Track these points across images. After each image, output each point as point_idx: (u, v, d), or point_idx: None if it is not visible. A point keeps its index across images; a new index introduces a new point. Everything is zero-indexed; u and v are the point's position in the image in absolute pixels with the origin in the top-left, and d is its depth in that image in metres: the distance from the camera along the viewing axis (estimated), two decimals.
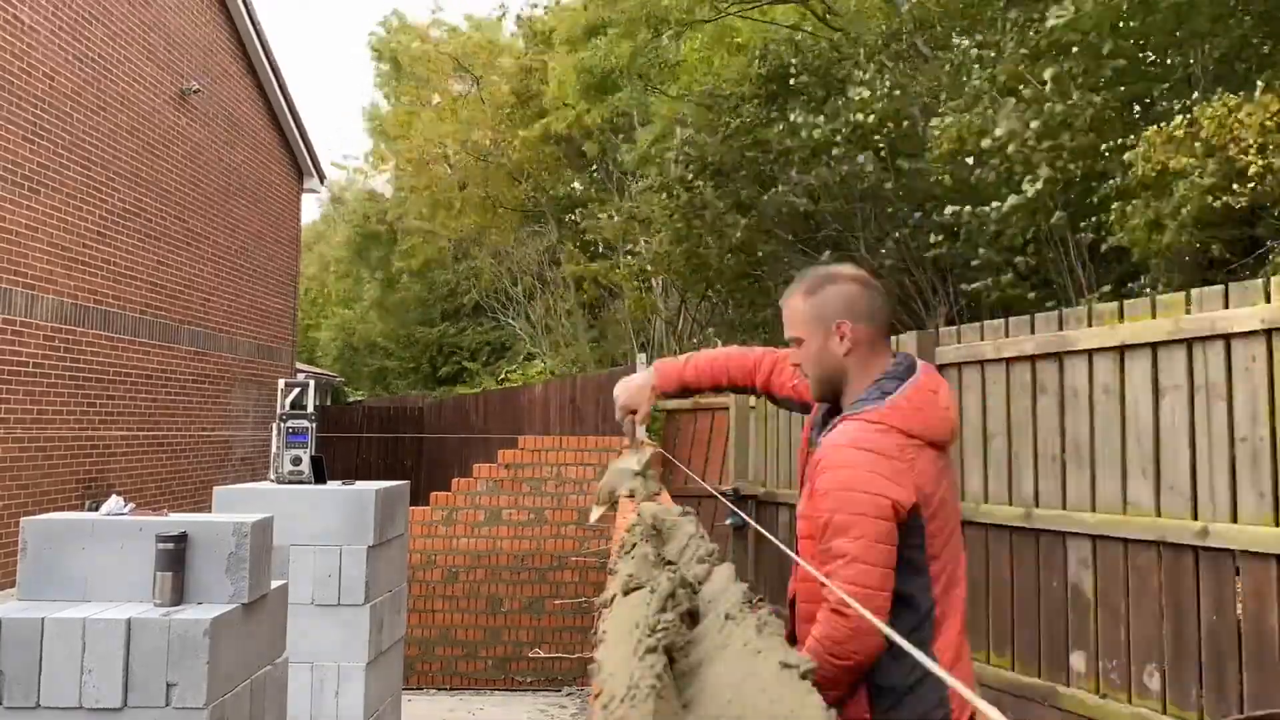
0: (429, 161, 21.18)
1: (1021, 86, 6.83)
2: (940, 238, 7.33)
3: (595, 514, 2.70)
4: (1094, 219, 6.42)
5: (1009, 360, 4.11)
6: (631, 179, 15.27)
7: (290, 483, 4.01)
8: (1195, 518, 3.25)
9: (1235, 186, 5.06)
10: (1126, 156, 5.61)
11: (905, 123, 8.37)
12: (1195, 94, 6.29)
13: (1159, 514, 3.39)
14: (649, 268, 12.23)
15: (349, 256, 29.57)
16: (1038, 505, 3.90)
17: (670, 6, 11.75)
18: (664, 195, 10.05)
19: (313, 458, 4.05)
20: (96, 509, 2.73)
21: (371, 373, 27.41)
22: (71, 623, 2.34)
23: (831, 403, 2.09)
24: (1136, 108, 7.48)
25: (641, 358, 8.86)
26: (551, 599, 7.27)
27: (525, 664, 7.24)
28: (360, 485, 4.08)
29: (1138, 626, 3.44)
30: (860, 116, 8.13)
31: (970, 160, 7.20)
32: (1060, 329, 3.85)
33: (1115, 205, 5.90)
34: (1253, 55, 6.65)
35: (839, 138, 8.36)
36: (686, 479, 6.31)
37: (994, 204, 6.62)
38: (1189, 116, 5.33)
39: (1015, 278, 7.03)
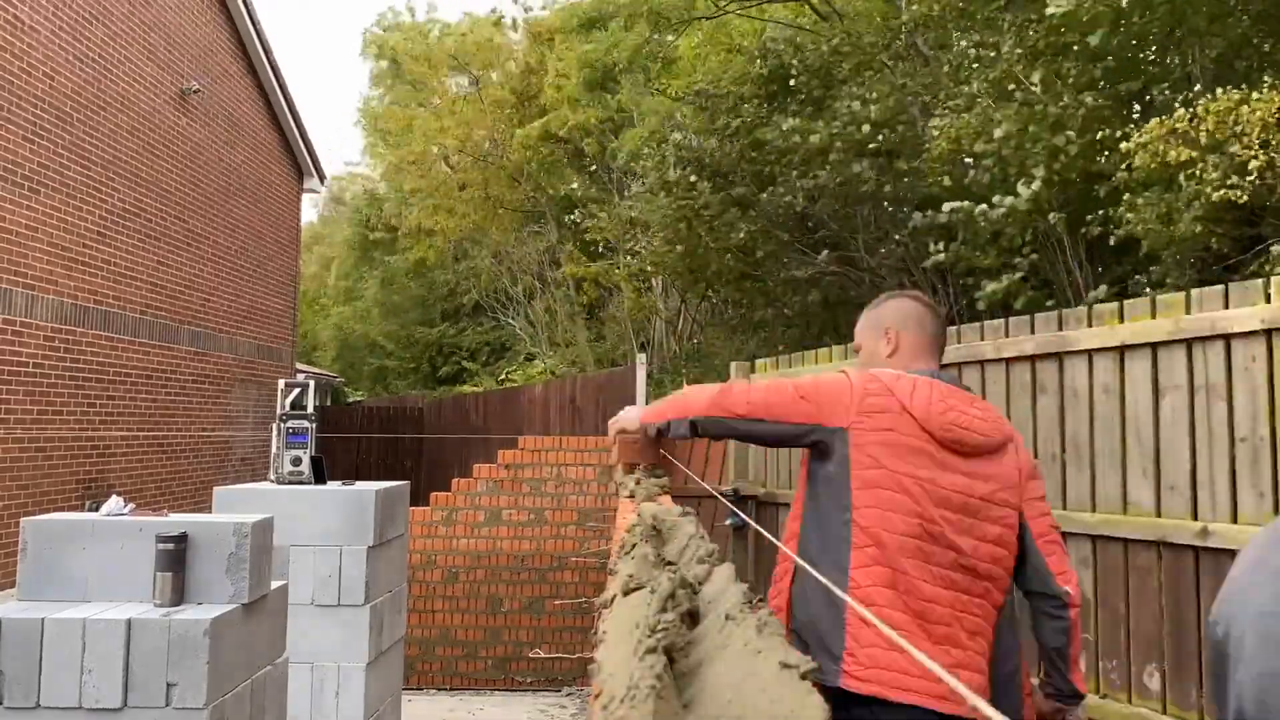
0: (429, 161, 21.19)
1: (1013, 87, 6.83)
2: (940, 244, 7.32)
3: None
4: (1100, 212, 6.41)
5: (1009, 360, 4.11)
6: (631, 179, 15.27)
7: (290, 483, 4.01)
8: (1195, 518, 3.25)
9: (1235, 179, 5.06)
10: (1124, 146, 5.60)
11: (901, 127, 8.37)
12: (1198, 87, 6.29)
13: (1159, 514, 3.39)
14: (649, 268, 12.23)
15: (348, 256, 29.58)
16: None
17: (669, 4, 11.75)
18: (661, 196, 10.05)
19: (313, 458, 4.05)
20: (96, 509, 2.73)
21: (371, 373, 27.41)
22: (71, 623, 2.34)
23: None
24: (1136, 106, 7.47)
25: (641, 358, 8.86)
26: (551, 599, 7.27)
27: (525, 664, 7.24)
28: (360, 485, 4.08)
29: (1138, 626, 3.45)
30: (853, 129, 8.15)
31: (970, 160, 7.20)
32: (1060, 329, 3.86)
33: (1126, 197, 5.89)
34: (1253, 54, 6.64)
35: (836, 144, 8.36)
36: (686, 479, 6.30)
37: (995, 199, 6.61)
38: (1191, 110, 5.32)
39: (1016, 278, 7.03)
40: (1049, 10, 6.31)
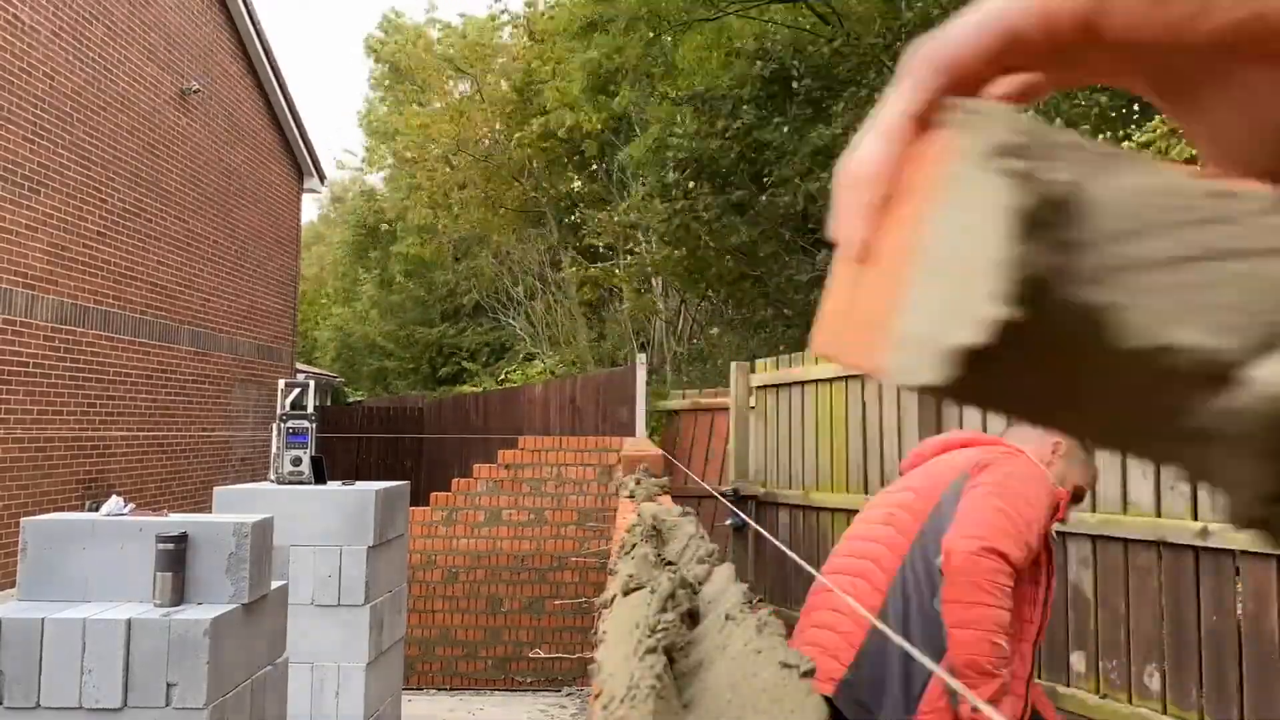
0: (429, 161, 21.19)
1: None
2: None
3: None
4: None
5: None
6: (631, 180, 15.28)
7: (290, 483, 4.01)
8: (1195, 518, 3.25)
9: None
10: (1125, 146, 5.62)
11: None
12: None
13: (1159, 514, 3.39)
14: (649, 269, 12.23)
15: (348, 256, 29.59)
16: None
17: (669, 7, 11.74)
18: (657, 201, 10.06)
19: (313, 458, 4.05)
20: (96, 509, 2.73)
21: (371, 373, 27.41)
22: (71, 623, 2.34)
23: None
24: (1136, 106, 7.48)
25: (641, 358, 8.86)
26: (551, 599, 7.27)
27: (525, 664, 7.24)
28: (360, 486, 4.08)
29: (1138, 626, 3.45)
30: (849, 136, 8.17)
31: None
32: None
33: None
34: None
35: (840, 145, 8.37)
36: (686, 479, 6.31)
37: None
38: None
39: None
40: None
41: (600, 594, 1.62)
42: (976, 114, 0.29)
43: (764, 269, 9.86)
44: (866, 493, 5.17)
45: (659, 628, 1.06)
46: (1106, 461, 3.64)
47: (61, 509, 7.87)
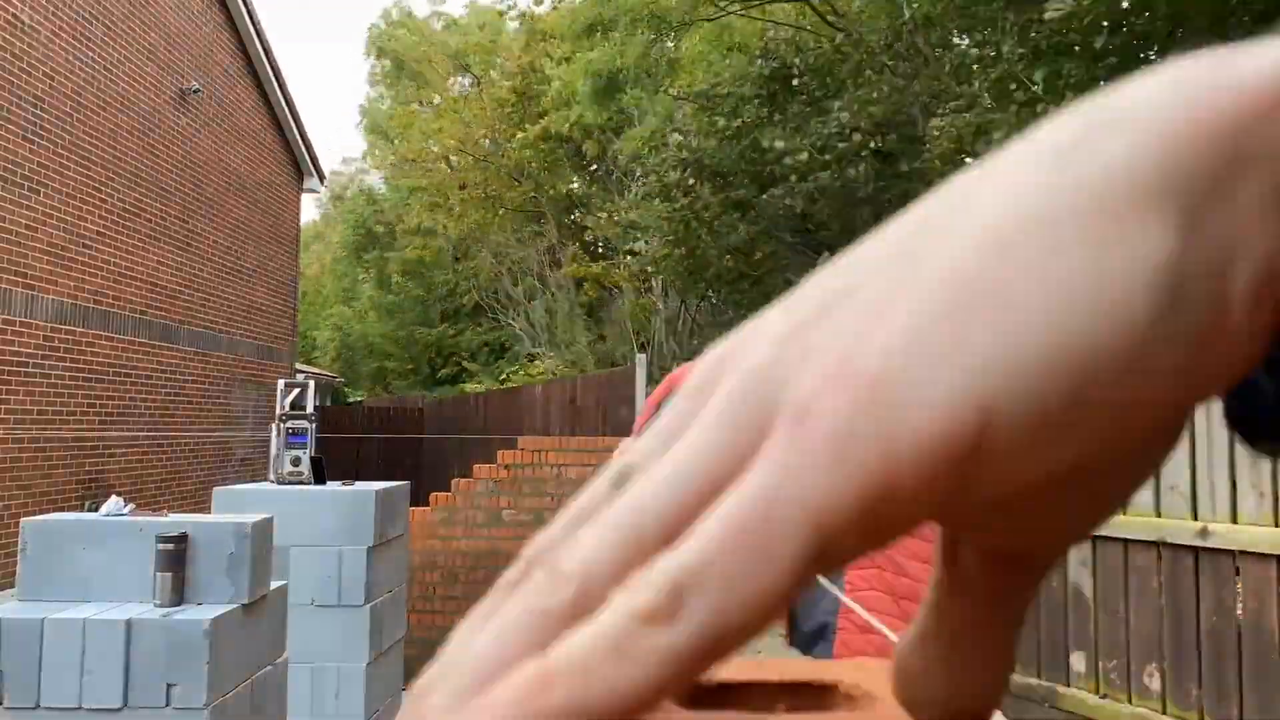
0: (429, 160, 21.20)
1: (1014, 87, 6.83)
2: None
3: None
4: None
5: None
6: (631, 179, 15.28)
7: (290, 483, 4.01)
8: (1195, 518, 3.25)
9: None
10: None
11: (893, 133, 8.38)
12: None
13: (1159, 514, 3.39)
14: (649, 269, 12.23)
15: (347, 256, 29.59)
16: None
17: (671, 8, 11.74)
18: (657, 201, 10.06)
19: (312, 458, 4.05)
20: (96, 509, 2.74)
21: (371, 373, 27.41)
22: (71, 623, 2.34)
23: None
24: None
25: (641, 358, 8.86)
26: None
27: None
28: (360, 486, 4.08)
29: (1138, 626, 3.45)
30: (843, 140, 8.18)
31: (970, 161, 7.20)
32: None
33: None
34: None
35: (836, 146, 8.38)
36: None
37: None
38: None
39: None
40: (1047, 15, 6.32)
41: None
42: None
43: (763, 269, 9.86)
44: None
45: None
46: None
47: (61, 509, 7.87)
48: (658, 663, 0.15)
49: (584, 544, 0.16)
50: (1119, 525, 3.52)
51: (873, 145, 8.18)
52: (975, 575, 0.20)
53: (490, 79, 21.21)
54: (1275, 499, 2.99)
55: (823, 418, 0.15)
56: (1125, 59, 6.98)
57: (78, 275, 8.58)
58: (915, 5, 8.34)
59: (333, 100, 69.47)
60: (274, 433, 4.05)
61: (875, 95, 8.38)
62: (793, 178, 8.89)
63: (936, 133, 7.12)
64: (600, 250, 18.38)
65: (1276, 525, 2.97)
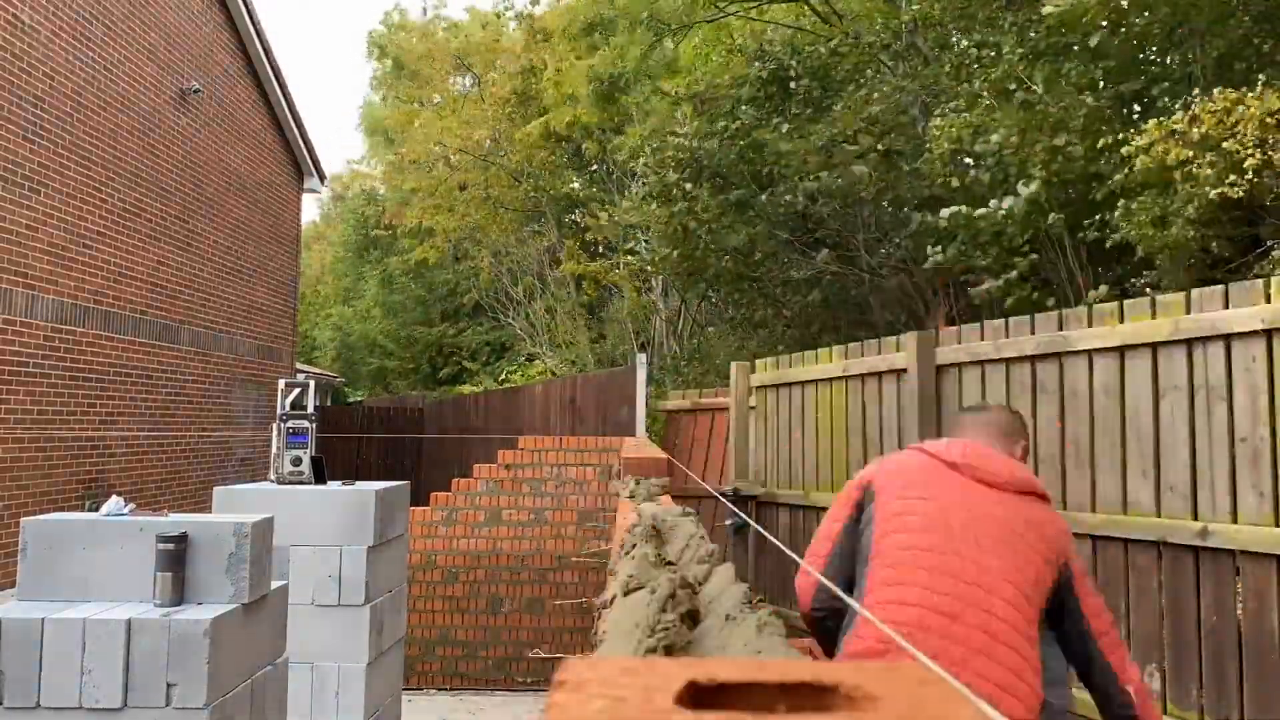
0: (429, 160, 21.19)
1: (1014, 87, 6.83)
2: (939, 248, 7.32)
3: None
4: (1098, 217, 6.42)
5: (1009, 360, 4.11)
6: (630, 179, 15.28)
7: (290, 483, 4.01)
8: (1195, 518, 3.25)
9: (1234, 178, 5.06)
10: (1125, 151, 5.61)
11: (893, 133, 8.38)
12: (1196, 90, 6.29)
13: (1159, 514, 3.39)
14: (649, 268, 12.22)
15: (347, 256, 29.58)
16: None
17: (670, 10, 11.74)
18: (654, 205, 10.05)
19: (313, 458, 4.05)
20: (96, 509, 2.73)
21: (371, 373, 27.41)
22: (71, 623, 2.34)
23: None
24: (1136, 106, 7.48)
25: (641, 358, 8.86)
26: (551, 599, 7.27)
27: (525, 664, 7.24)
28: (360, 486, 4.08)
29: (1138, 626, 3.44)
30: (844, 140, 8.18)
31: (970, 161, 7.20)
32: (1060, 329, 3.85)
33: (1121, 202, 5.90)
34: (1253, 54, 6.64)
35: (839, 145, 8.37)
36: (686, 479, 6.30)
37: (993, 201, 6.62)
38: (1190, 112, 5.33)
39: (1016, 278, 7.03)
40: (1045, 10, 6.31)
41: (600, 594, 1.62)
42: None
43: (763, 269, 9.86)
44: None
45: (659, 628, 1.06)
46: (1107, 462, 3.64)
47: (61, 509, 7.87)
48: None
49: None
50: (1119, 525, 3.52)
51: (880, 147, 8.17)
52: None
53: (491, 79, 21.20)
54: (1275, 499, 2.99)
55: None
56: (1124, 59, 6.98)
57: (78, 275, 8.58)
58: (915, 6, 8.34)
59: (333, 100, 69.45)
60: (274, 432, 4.05)
61: (875, 95, 8.38)
62: (794, 176, 8.89)
63: (937, 133, 7.12)
64: (600, 250, 18.38)
65: (1276, 525, 2.97)
